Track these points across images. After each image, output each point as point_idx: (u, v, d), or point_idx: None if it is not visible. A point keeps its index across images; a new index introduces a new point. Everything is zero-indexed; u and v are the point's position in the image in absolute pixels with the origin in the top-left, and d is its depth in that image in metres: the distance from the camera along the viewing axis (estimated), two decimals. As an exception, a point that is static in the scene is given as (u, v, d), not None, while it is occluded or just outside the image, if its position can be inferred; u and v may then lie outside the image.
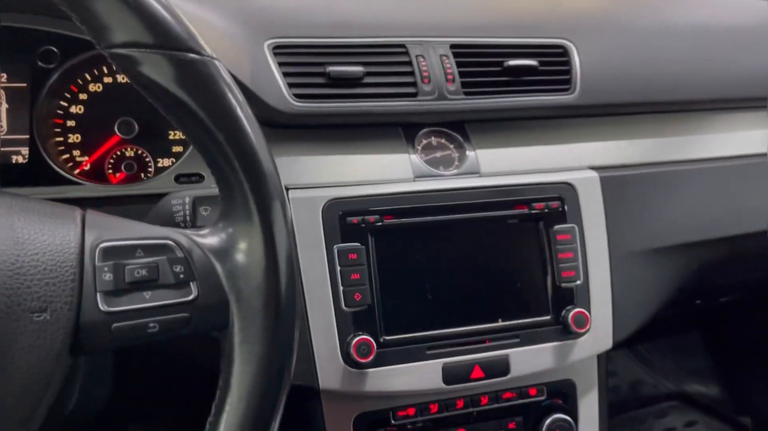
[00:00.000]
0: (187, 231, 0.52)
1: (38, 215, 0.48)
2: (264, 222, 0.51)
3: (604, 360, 0.99)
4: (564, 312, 0.90)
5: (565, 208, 0.92)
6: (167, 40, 0.48)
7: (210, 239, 0.52)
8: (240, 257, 0.51)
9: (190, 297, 0.49)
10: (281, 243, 0.51)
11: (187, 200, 0.65)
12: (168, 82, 0.48)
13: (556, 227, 0.91)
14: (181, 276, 0.49)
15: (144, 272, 0.48)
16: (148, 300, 0.48)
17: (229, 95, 0.50)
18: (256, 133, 0.51)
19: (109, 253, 0.47)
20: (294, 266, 0.53)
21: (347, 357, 0.82)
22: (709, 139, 1.07)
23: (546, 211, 0.91)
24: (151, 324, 0.48)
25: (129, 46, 0.47)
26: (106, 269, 0.47)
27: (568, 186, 0.93)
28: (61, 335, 0.45)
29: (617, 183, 0.96)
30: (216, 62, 0.50)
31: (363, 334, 0.82)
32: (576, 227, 0.92)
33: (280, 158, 0.86)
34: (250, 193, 0.51)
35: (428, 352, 0.86)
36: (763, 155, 1.07)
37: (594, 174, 0.95)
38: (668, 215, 0.99)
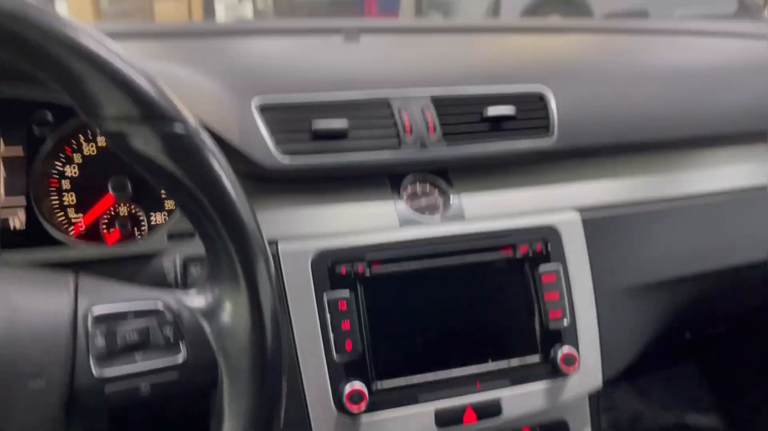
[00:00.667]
0: (177, 293, 0.54)
1: (33, 283, 0.50)
2: (249, 282, 0.53)
3: (596, 398, 1.00)
4: (552, 352, 0.92)
5: (549, 249, 0.94)
6: (153, 113, 0.51)
7: (198, 300, 0.54)
8: (226, 317, 0.53)
9: (180, 359, 0.51)
10: (266, 302, 0.53)
11: (177, 261, 0.67)
12: (155, 152, 0.51)
13: (541, 268, 0.93)
14: (171, 338, 0.51)
15: (135, 336, 0.50)
16: (140, 363, 0.50)
17: (213, 162, 0.53)
18: (239, 197, 0.54)
19: (100, 319, 0.50)
20: (279, 324, 0.55)
21: (340, 406, 0.83)
22: (689, 176, 1.10)
23: (530, 253, 0.94)
24: (143, 387, 0.50)
25: (117, 120, 0.50)
26: (98, 334, 0.49)
27: (551, 228, 0.95)
28: (56, 400, 0.47)
29: (599, 222, 0.99)
30: (200, 131, 0.53)
31: (355, 382, 0.84)
32: (560, 267, 0.94)
33: (269, 211, 0.89)
34: (234, 254, 0.53)
35: (420, 397, 0.87)
36: (742, 190, 1.10)
37: (576, 215, 0.98)
38: (651, 252, 1.01)
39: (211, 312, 0.53)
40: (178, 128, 0.52)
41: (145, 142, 0.51)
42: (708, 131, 1.11)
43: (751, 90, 1.14)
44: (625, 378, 0.98)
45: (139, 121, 0.50)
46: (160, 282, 0.67)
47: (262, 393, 0.53)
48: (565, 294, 0.94)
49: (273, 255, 0.84)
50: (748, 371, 1.69)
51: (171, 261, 0.67)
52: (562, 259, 0.95)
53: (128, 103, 0.50)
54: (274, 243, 0.86)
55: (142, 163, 0.51)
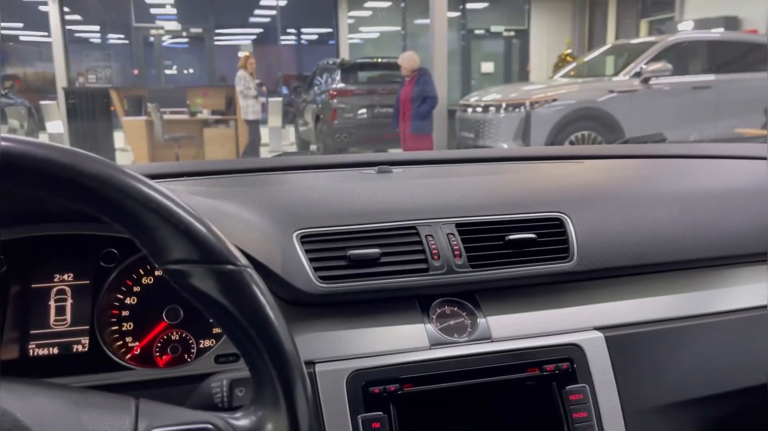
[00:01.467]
0: (224, 415, 0.60)
1: (100, 408, 0.57)
2: (288, 405, 0.60)
3: None
4: None
5: (575, 368, 0.98)
6: (210, 256, 0.60)
7: (243, 421, 0.60)
8: None
9: None
10: (303, 423, 0.59)
11: (225, 383, 0.74)
12: (211, 290, 0.59)
13: (568, 388, 0.96)
14: None
15: None
16: None
17: (261, 297, 0.61)
18: (281, 327, 0.62)
19: None
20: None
21: None
22: (710, 295, 1.14)
23: (557, 372, 0.97)
24: None
25: (180, 263, 0.59)
26: None
27: (576, 347, 0.99)
28: None
29: (622, 341, 1.03)
30: (249, 270, 0.62)
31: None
32: (587, 386, 0.97)
33: (307, 334, 0.96)
34: (276, 379, 0.60)
35: None
36: (763, 307, 1.12)
37: (599, 334, 1.02)
38: (676, 370, 1.03)
39: None
40: (230, 268, 0.60)
41: (202, 281, 0.59)
42: (722, 251, 1.16)
43: (762, 211, 1.20)
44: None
45: (199, 263, 0.59)
46: (208, 403, 0.73)
47: None
48: (593, 413, 0.96)
49: (310, 375, 0.91)
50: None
51: (219, 384, 0.74)
52: (589, 378, 0.98)
53: (190, 248, 0.59)
54: (311, 364, 0.93)
55: (199, 298, 0.60)
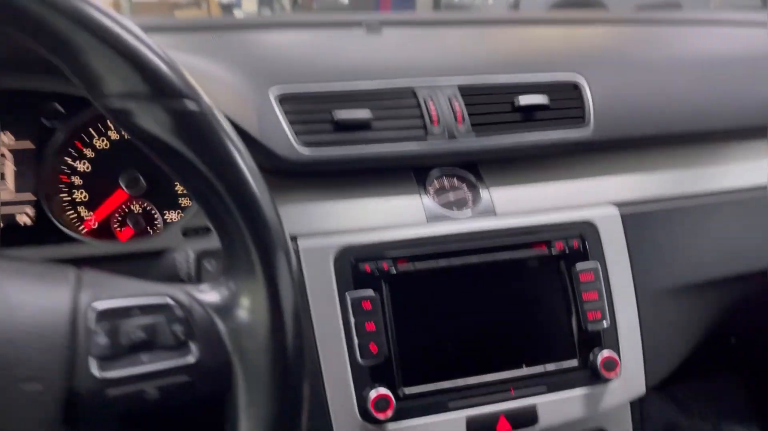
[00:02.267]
0: (187, 288, 0.49)
1: (31, 277, 0.46)
2: (268, 276, 0.48)
3: (638, 406, 0.93)
4: (592, 356, 0.85)
5: (587, 246, 0.88)
6: (162, 89, 0.46)
7: (211, 295, 0.49)
8: (243, 314, 0.48)
9: (191, 360, 0.46)
10: (286, 298, 0.48)
11: (190, 255, 0.62)
12: (164, 132, 0.46)
13: (578, 266, 0.87)
14: (181, 337, 0.46)
15: (141, 334, 0.45)
16: (146, 364, 0.45)
17: (228, 144, 0.48)
18: (257, 182, 0.49)
19: (103, 315, 0.45)
20: (301, 322, 0.50)
21: (365, 413, 0.78)
22: (732, 169, 1.04)
23: (566, 250, 0.88)
24: (150, 390, 0.45)
25: (123, 97, 0.46)
26: (100, 332, 0.44)
27: (589, 224, 0.89)
28: (53, 405, 0.42)
29: (639, 218, 0.93)
30: (214, 110, 0.48)
31: (381, 387, 0.78)
32: (599, 266, 0.88)
33: (289, 206, 0.84)
34: (252, 245, 0.48)
35: (450, 404, 0.81)
36: None
37: (614, 210, 0.92)
38: (695, 250, 0.95)
39: (226, 309, 0.49)
40: (190, 105, 0.47)
41: (154, 121, 0.46)
42: (748, 122, 1.04)
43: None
44: (660, 386, 0.91)
45: (147, 99, 0.46)
46: (173, 279, 0.62)
47: (282, 398, 0.48)
48: (605, 294, 0.87)
49: (295, 252, 0.80)
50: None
51: (184, 256, 0.63)
52: (601, 257, 0.89)
53: (136, 78, 0.45)
54: (294, 239, 0.82)
55: (150, 144, 0.47)
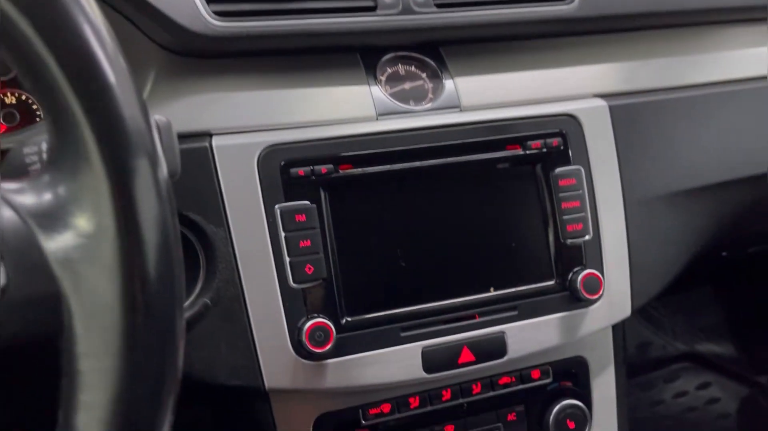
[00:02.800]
0: None
1: None
2: (115, 181, 0.33)
3: (621, 330, 0.82)
4: (571, 275, 0.72)
5: (568, 145, 0.74)
6: None
7: (28, 197, 0.33)
8: (78, 225, 0.33)
9: None
10: (146, 210, 0.33)
11: (42, 147, 0.46)
12: None
13: (558, 170, 0.73)
14: None
15: None
16: None
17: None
18: (106, 51, 0.33)
19: None
20: (170, 235, 0.34)
21: (299, 347, 0.64)
22: (733, 57, 0.88)
23: (544, 150, 0.73)
24: None
25: None
26: None
27: (571, 118, 0.74)
28: None
29: (630, 113, 0.78)
30: None
31: (318, 317, 0.64)
32: (582, 169, 0.74)
33: (201, 96, 0.68)
34: (89, 137, 0.32)
35: (403, 334, 0.68)
36: None
37: (602, 102, 0.77)
38: (693, 150, 0.81)
39: (52, 217, 0.33)
40: None
41: None
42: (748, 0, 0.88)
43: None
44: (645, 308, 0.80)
45: None
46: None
47: (140, 345, 0.33)
48: (588, 202, 0.74)
49: (202, 151, 0.64)
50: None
51: (35, 150, 0.46)
52: (584, 158, 0.74)
53: None
54: (206, 135, 0.65)
55: None
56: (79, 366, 0.32)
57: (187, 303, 0.63)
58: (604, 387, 0.80)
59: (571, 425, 0.75)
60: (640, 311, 1.54)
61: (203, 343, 0.63)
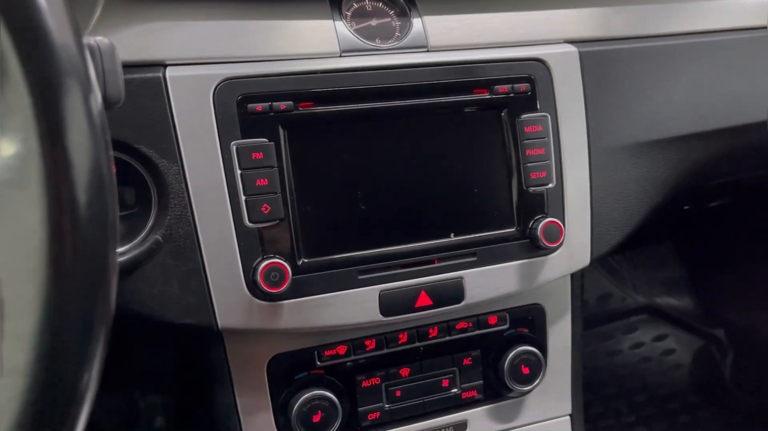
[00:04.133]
0: None
1: None
2: (41, 91, 0.30)
3: (579, 279, 0.82)
4: (532, 223, 0.72)
5: (536, 91, 0.72)
6: None
7: None
8: (1, 146, 0.30)
9: None
10: (75, 122, 0.31)
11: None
12: None
13: (524, 117, 0.71)
14: None
15: None
16: None
17: None
18: None
19: None
20: (102, 160, 0.32)
21: (254, 287, 0.63)
22: (708, 7, 0.87)
23: (511, 95, 0.71)
24: None
25: None
26: None
27: (540, 63, 0.73)
28: None
29: (600, 60, 0.76)
30: None
31: (274, 257, 0.63)
32: (548, 116, 0.72)
33: (156, 24, 0.64)
34: (10, 43, 0.30)
35: (361, 277, 0.67)
36: (763, 28, 0.87)
37: (572, 48, 0.75)
38: (661, 100, 0.80)
39: None
40: None
41: None
42: None
43: None
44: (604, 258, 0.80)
45: None
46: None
47: (64, 283, 0.31)
48: (552, 150, 0.73)
49: (155, 81, 0.61)
50: (727, 253, 1.56)
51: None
52: (552, 105, 0.73)
53: None
54: (160, 66, 0.62)
55: None
56: (2, 294, 0.30)
57: (137, 240, 0.62)
58: (560, 334, 0.81)
59: (526, 370, 0.76)
60: (601, 264, 1.56)
61: (155, 281, 0.62)
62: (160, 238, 0.62)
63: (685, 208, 1.08)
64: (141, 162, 0.61)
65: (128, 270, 0.61)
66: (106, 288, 0.33)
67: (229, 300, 0.63)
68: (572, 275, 0.80)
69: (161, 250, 0.62)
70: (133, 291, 0.61)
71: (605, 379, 1.65)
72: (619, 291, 1.71)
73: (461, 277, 0.70)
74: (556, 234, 0.71)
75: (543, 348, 0.79)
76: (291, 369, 0.70)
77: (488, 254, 0.71)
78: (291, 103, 0.64)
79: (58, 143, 0.31)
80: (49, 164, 0.31)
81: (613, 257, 1.68)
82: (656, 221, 0.87)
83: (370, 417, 0.73)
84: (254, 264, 0.63)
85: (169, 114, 0.61)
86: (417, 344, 0.74)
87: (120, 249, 0.61)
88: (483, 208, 0.72)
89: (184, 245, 0.62)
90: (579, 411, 0.83)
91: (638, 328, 1.71)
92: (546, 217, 0.71)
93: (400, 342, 0.73)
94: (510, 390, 0.77)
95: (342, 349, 0.71)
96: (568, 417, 0.83)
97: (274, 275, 0.62)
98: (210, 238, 0.63)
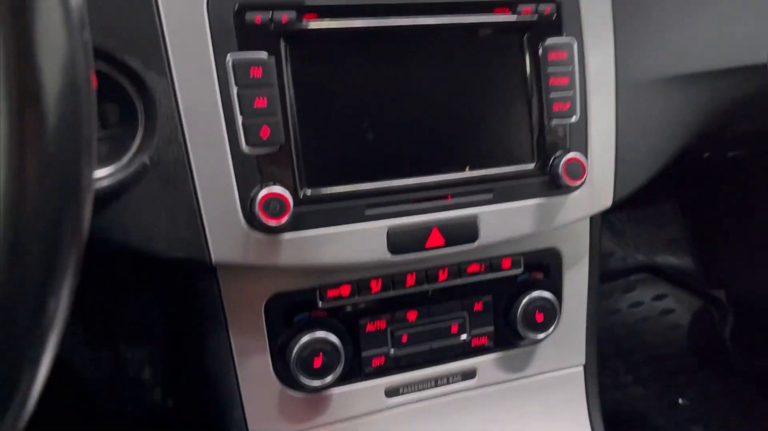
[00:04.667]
0: None
1: None
2: None
3: (599, 223, 0.77)
4: (553, 159, 0.66)
5: (562, 14, 0.66)
6: None
7: None
8: None
9: None
10: (44, 13, 0.24)
11: None
12: None
13: (549, 42, 0.65)
14: None
15: None
16: None
17: None
18: None
19: None
20: (77, 60, 0.27)
21: (251, 218, 0.57)
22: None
23: (535, 17, 0.65)
24: None
25: None
26: None
27: None
28: None
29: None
30: None
31: (273, 186, 0.57)
32: (574, 43, 0.66)
33: None
34: None
35: (368, 212, 0.61)
36: None
37: None
38: (694, 32, 0.74)
39: None
40: None
41: None
42: None
43: None
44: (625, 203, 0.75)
45: None
46: None
47: (27, 198, 0.25)
48: (578, 80, 0.67)
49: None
50: (734, 214, 1.52)
51: None
52: (578, 31, 0.67)
53: None
54: (146, -33, 0.55)
55: None
56: None
57: (122, 162, 0.55)
58: (576, 281, 0.76)
59: (539, 318, 0.72)
60: (603, 221, 1.51)
61: (141, 209, 0.56)
62: (147, 162, 0.55)
63: (706, 155, 1.03)
64: (126, 75, 0.55)
65: (111, 195, 0.55)
66: (76, 208, 0.27)
67: (224, 233, 0.57)
68: (591, 219, 0.75)
69: (148, 175, 0.56)
70: (117, 219, 0.55)
71: (603, 338, 1.62)
72: (620, 249, 1.67)
73: (476, 215, 0.65)
74: (578, 172, 0.66)
75: (558, 294, 0.74)
76: (290, 310, 0.65)
77: (505, 191, 0.66)
78: (294, 13, 0.57)
79: (24, 37, 0.25)
80: (13, 61, 0.24)
81: (616, 215, 1.64)
82: (671, 172, 0.82)
83: (375, 362, 0.68)
84: (252, 194, 0.57)
85: (157, 21, 0.54)
86: (425, 287, 0.69)
87: (102, 172, 0.55)
88: (501, 142, 0.66)
89: (174, 170, 0.56)
90: (593, 362, 0.79)
91: (638, 287, 1.68)
92: (568, 153, 0.66)
93: (407, 284, 0.68)
94: (522, 338, 0.72)
95: (346, 290, 0.66)
96: (581, 368, 0.79)
97: (274, 205, 0.56)
98: (203, 163, 0.56)
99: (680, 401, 1.52)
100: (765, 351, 1.50)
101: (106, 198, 0.54)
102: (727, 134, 0.91)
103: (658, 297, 1.69)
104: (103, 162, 0.55)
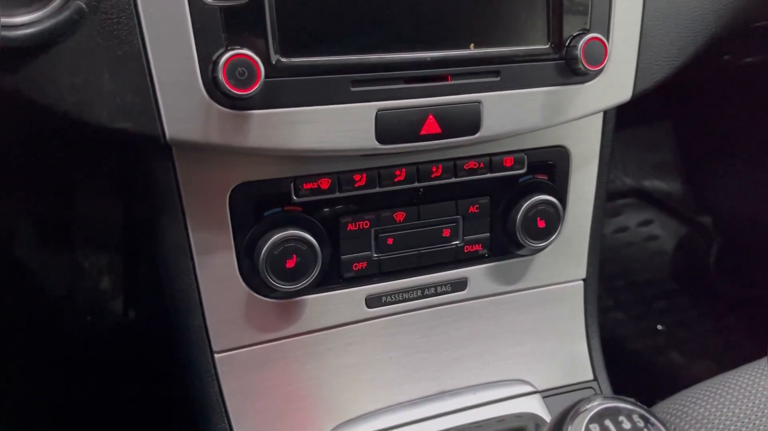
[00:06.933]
0: None
1: None
2: None
3: (613, 120, 0.68)
4: (571, 39, 0.57)
5: None
6: None
7: None
8: None
9: None
10: None
11: None
12: None
13: None
14: None
15: None
16: None
17: None
18: None
19: None
20: None
21: (213, 87, 0.47)
22: None
23: None
24: None
25: None
26: None
27: None
28: None
29: None
30: None
31: (240, 49, 0.47)
32: None
33: None
34: None
35: (354, 89, 0.52)
36: None
37: None
38: None
39: None
40: None
41: None
42: None
43: None
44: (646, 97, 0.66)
45: None
46: None
47: None
48: None
49: None
50: (726, 138, 1.45)
51: None
52: None
53: None
54: None
55: None
56: None
57: (53, 5, 0.44)
58: (583, 186, 0.68)
59: (541, 224, 0.64)
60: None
61: (77, 66, 0.45)
62: (83, 6, 0.45)
63: (726, 57, 0.94)
64: None
65: (38, 48, 0.44)
66: None
67: (181, 102, 0.47)
68: (605, 115, 0.67)
69: (85, 24, 0.45)
70: (46, 77, 0.45)
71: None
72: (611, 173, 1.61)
73: (479, 101, 0.55)
74: (599, 55, 0.56)
75: (563, 199, 0.66)
76: (260, 203, 0.56)
77: (514, 74, 0.56)
78: None
79: None
80: None
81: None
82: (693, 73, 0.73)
83: (355, 267, 0.60)
84: (215, 57, 0.47)
85: None
86: (416, 184, 0.60)
87: (25, 18, 0.44)
88: (512, 16, 0.56)
89: (117, 19, 0.45)
90: (594, 277, 0.72)
91: (623, 212, 1.63)
92: (588, 33, 0.56)
93: (396, 179, 0.59)
94: (520, 246, 0.64)
95: (325, 183, 0.57)
96: (581, 283, 0.72)
97: (241, 71, 0.46)
98: (154, 12, 0.46)
99: (659, 327, 1.49)
100: (749, 278, 1.47)
101: (32, 50, 0.44)
102: (754, 32, 0.82)
103: (644, 223, 1.64)
104: (27, 4, 0.44)
